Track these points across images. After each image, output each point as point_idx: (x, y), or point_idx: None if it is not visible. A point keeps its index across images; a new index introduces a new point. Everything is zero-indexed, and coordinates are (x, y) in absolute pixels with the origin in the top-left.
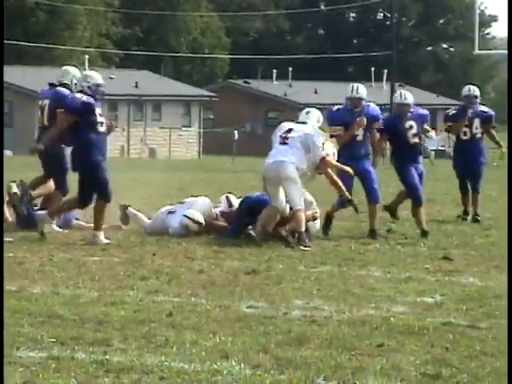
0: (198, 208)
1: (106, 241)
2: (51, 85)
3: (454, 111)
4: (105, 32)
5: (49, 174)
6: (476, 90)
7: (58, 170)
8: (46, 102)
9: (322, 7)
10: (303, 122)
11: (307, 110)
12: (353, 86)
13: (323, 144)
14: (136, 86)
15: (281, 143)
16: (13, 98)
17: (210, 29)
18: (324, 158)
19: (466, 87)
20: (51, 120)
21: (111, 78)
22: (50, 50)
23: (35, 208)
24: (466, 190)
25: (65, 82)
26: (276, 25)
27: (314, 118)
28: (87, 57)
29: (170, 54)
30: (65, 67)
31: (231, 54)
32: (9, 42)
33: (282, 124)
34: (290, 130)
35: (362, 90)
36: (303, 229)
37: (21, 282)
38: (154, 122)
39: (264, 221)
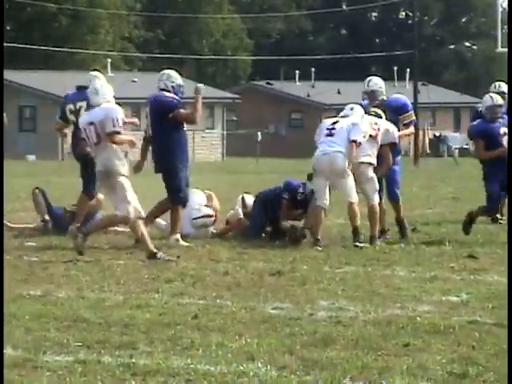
0: (197, 203)
1: (185, 243)
2: (81, 87)
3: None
4: (127, 35)
5: (83, 182)
6: (502, 86)
7: (87, 174)
8: (81, 104)
9: (344, 7)
10: (347, 117)
11: (351, 105)
12: (365, 81)
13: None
14: None
15: (327, 135)
16: (36, 103)
17: (232, 31)
18: (355, 141)
19: (492, 85)
20: None
21: (134, 82)
22: (72, 55)
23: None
24: None
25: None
26: (298, 25)
27: (358, 113)
28: (110, 60)
29: (192, 57)
30: (94, 73)
31: (254, 56)
32: (31, 46)
33: (324, 121)
34: (335, 123)
35: (373, 83)
36: (358, 223)
37: (46, 287)
38: None
39: (314, 227)
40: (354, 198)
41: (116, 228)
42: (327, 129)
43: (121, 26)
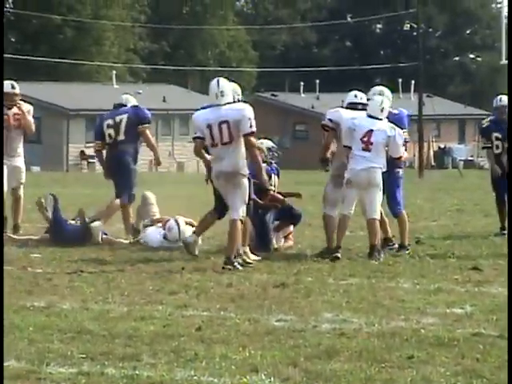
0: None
1: (255, 257)
2: (117, 105)
3: (488, 123)
4: (132, 47)
5: (119, 188)
6: (504, 100)
7: (128, 182)
8: (121, 117)
9: (349, 19)
10: (378, 118)
11: (381, 105)
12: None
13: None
14: (164, 101)
15: (364, 149)
16: (41, 115)
17: (236, 42)
18: (400, 157)
19: (495, 99)
20: (128, 134)
21: (139, 93)
22: (77, 66)
23: (70, 222)
24: (502, 203)
25: (129, 104)
26: (303, 37)
27: (387, 113)
28: (115, 72)
29: (197, 68)
30: (125, 95)
31: (258, 68)
32: (36, 58)
33: (358, 123)
34: (370, 133)
35: (372, 92)
36: (377, 241)
37: (50, 298)
38: (182, 136)
39: (341, 236)
40: (378, 214)
41: (121, 240)
42: (362, 141)
43: (126, 38)
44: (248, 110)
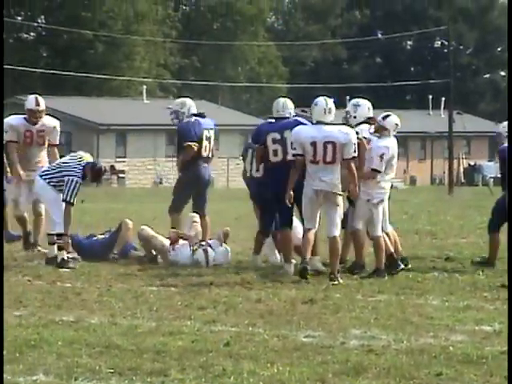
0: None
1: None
2: (198, 115)
3: None
4: (163, 62)
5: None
6: None
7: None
8: (212, 133)
9: (379, 35)
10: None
11: (397, 122)
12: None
13: None
14: None
15: (391, 171)
16: (71, 129)
17: (267, 58)
18: None
19: None
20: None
21: (169, 108)
22: (108, 81)
23: (95, 238)
24: None
25: (201, 112)
26: (333, 53)
27: None
28: (145, 87)
29: (227, 84)
30: (184, 100)
31: (288, 83)
32: (67, 73)
33: (396, 149)
34: (393, 156)
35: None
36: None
37: (79, 313)
38: None
39: (379, 256)
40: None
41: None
42: (392, 165)
43: (156, 53)
44: (354, 135)
